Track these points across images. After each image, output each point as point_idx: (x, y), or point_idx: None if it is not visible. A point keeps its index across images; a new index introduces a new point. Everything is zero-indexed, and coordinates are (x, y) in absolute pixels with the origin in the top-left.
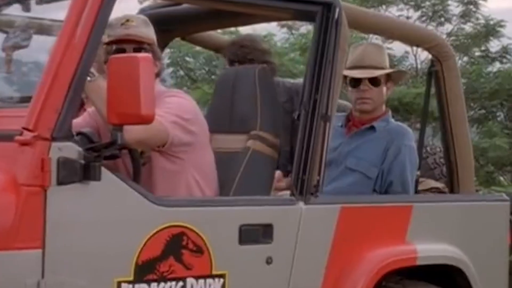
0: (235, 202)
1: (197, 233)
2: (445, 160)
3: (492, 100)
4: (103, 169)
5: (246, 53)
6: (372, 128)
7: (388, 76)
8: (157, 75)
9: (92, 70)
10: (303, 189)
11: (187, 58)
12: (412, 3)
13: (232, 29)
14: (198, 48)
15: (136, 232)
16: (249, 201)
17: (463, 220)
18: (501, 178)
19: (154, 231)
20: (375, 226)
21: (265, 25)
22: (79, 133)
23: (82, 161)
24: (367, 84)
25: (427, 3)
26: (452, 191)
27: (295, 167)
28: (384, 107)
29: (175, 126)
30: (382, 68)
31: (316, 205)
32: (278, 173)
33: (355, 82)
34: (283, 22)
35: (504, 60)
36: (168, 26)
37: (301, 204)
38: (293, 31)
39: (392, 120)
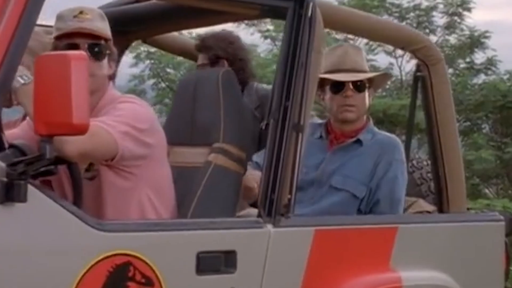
0: (192, 226)
1: (146, 263)
2: (433, 175)
3: (478, 112)
4: (31, 188)
5: (236, 51)
6: (358, 141)
7: (370, 82)
8: (111, 78)
9: (26, 72)
10: (272, 210)
11: (168, 70)
12: (397, 14)
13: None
14: (179, 58)
15: (71, 263)
16: (209, 224)
17: (454, 243)
18: (487, 191)
19: (94, 261)
20: (354, 251)
21: (248, 36)
22: (11, 146)
23: (4, 179)
24: (351, 89)
25: (412, 14)
26: (441, 210)
27: (263, 185)
28: (365, 116)
29: (127, 137)
30: (365, 72)
31: (286, 228)
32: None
33: (337, 87)
34: (267, 33)
35: (489, 72)
36: (125, 27)
37: (269, 227)
38: (277, 42)
39: (376, 129)
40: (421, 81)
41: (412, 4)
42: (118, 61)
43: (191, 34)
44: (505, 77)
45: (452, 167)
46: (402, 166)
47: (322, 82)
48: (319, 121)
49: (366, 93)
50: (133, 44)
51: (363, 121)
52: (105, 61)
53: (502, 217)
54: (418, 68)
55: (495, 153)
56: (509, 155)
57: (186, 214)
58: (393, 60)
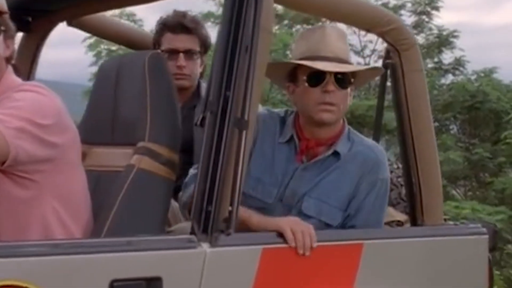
0: (105, 246)
1: None
2: (405, 181)
3: (446, 113)
4: None
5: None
6: (335, 154)
7: (353, 76)
8: (8, 60)
9: None
10: (208, 225)
11: None
12: None
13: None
14: None
15: None
16: (127, 244)
17: (429, 260)
18: (455, 192)
19: None
20: (312, 271)
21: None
22: None
23: None
24: (333, 82)
25: None
26: (414, 221)
27: (197, 194)
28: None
29: (23, 135)
30: (350, 62)
31: (227, 247)
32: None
33: (315, 79)
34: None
35: (457, 72)
36: (46, 5)
37: (205, 246)
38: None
39: (353, 133)
40: (391, 69)
41: (380, 2)
42: (41, 46)
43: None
44: (472, 78)
45: (427, 172)
46: (387, 185)
47: (295, 71)
48: (282, 111)
49: (349, 90)
50: (93, 42)
51: (340, 125)
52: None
53: (485, 230)
54: (387, 54)
55: (463, 154)
56: (477, 156)
57: (100, 231)
58: (360, 60)
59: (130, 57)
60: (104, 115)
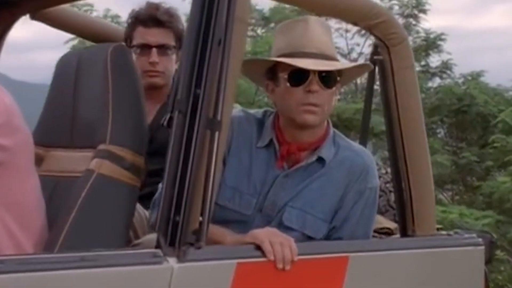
0: (57, 263)
1: None
2: (394, 186)
3: (433, 116)
4: None
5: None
6: (320, 160)
7: (339, 74)
8: None
9: None
10: (176, 238)
11: None
12: None
13: None
14: None
15: None
16: (82, 260)
17: (421, 273)
18: (442, 196)
19: None
20: (293, 287)
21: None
22: None
23: None
24: (317, 81)
25: None
26: (404, 231)
27: (163, 203)
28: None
29: None
30: (336, 59)
31: (196, 262)
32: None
33: (298, 78)
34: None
35: (444, 76)
36: None
37: (172, 261)
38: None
39: (339, 135)
40: (379, 66)
41: None
42: (2, 40)
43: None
44: (460, 81)
45: (419, 176)
46: (376, 193)
47: (274, 68)
48: (260, 112)
49: (334, 89)
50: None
51: (324, 127)
52: None
53: (480, 241)
54: (375, 49)
55: (451, 158)
56: (464, 160)
57: (54, 243)
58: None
59: (91, 51)
60: (63, 115)
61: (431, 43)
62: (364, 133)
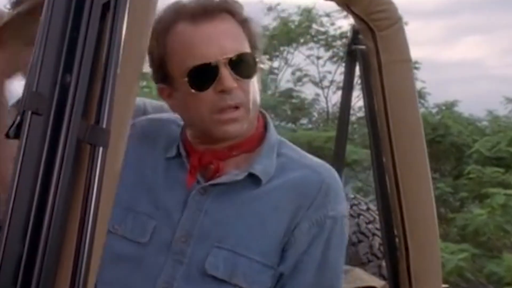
0: None
1: None
2: (382, 230)
3: None
4: None
5: None
6: (251, 177)
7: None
8: None
9: None
10: None
11: None
12: (323, 42)
13: None
14: None
15: None
16: None
17: None
18: None
19: None
20: None
21: None
22: None
23: None
24: (230, 74)
25: (338, 42)
26: None
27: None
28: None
29: None
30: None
31: None
32: None
33: (203, 77)
34: None
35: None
36: None
37: None
38: None
39: (286, 148)
40: (360, 58)
41: (339, 31)
42: None
43: None
44: (434, 111)
45: (419, 220)
46: (342, 225)
47: (163, 66)
48: (172, 115)
49: (255, 78)
50: None
51: (253, 123)
52: None
53: None
54: (355, 35)
55: None
56: (438, 191)
57: None
58: (319, 91)
59: None
60: None
61: None
62: (338, 156)
